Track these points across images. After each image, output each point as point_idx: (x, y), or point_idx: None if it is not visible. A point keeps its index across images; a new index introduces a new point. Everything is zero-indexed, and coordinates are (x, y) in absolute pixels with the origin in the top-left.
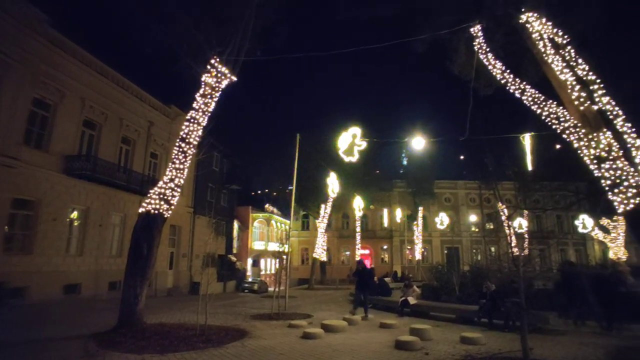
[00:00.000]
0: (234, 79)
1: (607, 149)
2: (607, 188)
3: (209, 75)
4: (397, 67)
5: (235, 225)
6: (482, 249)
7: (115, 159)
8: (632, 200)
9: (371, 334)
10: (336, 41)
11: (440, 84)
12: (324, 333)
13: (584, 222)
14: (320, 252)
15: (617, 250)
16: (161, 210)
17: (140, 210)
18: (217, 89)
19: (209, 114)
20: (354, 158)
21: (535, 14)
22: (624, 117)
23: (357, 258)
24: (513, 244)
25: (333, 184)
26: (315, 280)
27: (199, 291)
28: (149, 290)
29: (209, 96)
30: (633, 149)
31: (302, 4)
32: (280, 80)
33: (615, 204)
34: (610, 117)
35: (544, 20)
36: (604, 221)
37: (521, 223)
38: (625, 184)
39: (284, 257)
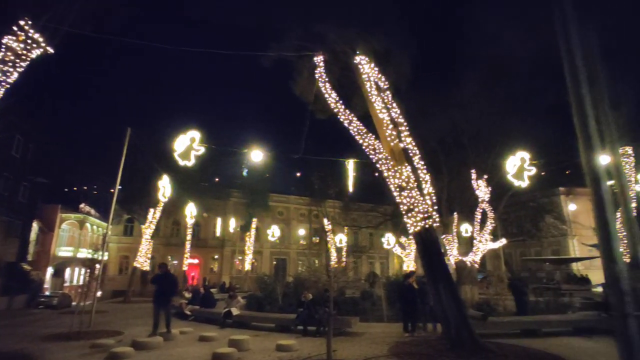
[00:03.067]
0: (50, 50)
1: (406, 180)
2: (403, 212)
3: (14, 38)
4: (245, 77)
5: (35, 226)
6: (306, 261)
7: None
8: (419, 224)
9: (189, 348)
10: (187, 39)
11: (284, 102)
12: (135, 352)
13: (388, 240)
14: (142, 261)
15: (409, 264)
16: None
17: None
18: (24, 57)
19: (9, 86)
20: (190, 162)
21: (366, 58)
22: (419, 155)
23: (184, 267)
24: (333, 257)
25: (165, 187)
26: (133, 292)
27: None
28: None
29: (10, 64)
30: (423, 182)
31: None
32: (119, 68)
33: (408, 225)
34: (411, 154)
35: (372, 65)
36: (402, 239)
37: (341, 238)
38: (416, 210)
39: (97, 265)
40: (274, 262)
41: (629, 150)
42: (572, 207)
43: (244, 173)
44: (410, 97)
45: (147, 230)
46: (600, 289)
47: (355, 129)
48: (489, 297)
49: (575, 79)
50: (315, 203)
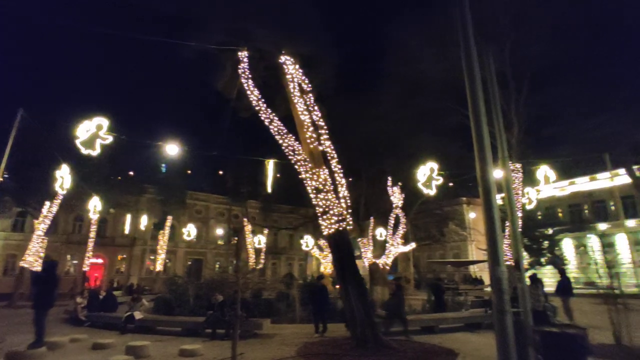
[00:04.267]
0: None
1: (323, 182)
2: (319, 214)
3: None
4: (168, 66)
5: None
6: (223, 262)
7: None
8: (333, 226)
9: (77, 358)
10: (99, 18)
11: (205, 96)
12: None
13: (307, 241)
14: (31, 260)
15: (327, 265)
16: None
17: None
18: None
19: None
20: (95, 152)
21: (291, 59)
22: (337, 159)
23: (85, 268)
24: (251, 257)
25: (64, 178)
26: (21, 296)
27: None
28: None
29: None
30: (340, 185)
31: None
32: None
33: (323, 227)
34: (329, 157)
35: (297, 66)
36: (321, 241)
37: (260, 239)
38: (331, 212)
39: None
40: (189, 263)
41: (518, 166)
42: (472, 215)
43: (162, 168)
44: (332, 103)
45: (41, 225)
46: (489, 289)
47: (275, 129)
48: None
49: (475, 102)
50: (236, 203)
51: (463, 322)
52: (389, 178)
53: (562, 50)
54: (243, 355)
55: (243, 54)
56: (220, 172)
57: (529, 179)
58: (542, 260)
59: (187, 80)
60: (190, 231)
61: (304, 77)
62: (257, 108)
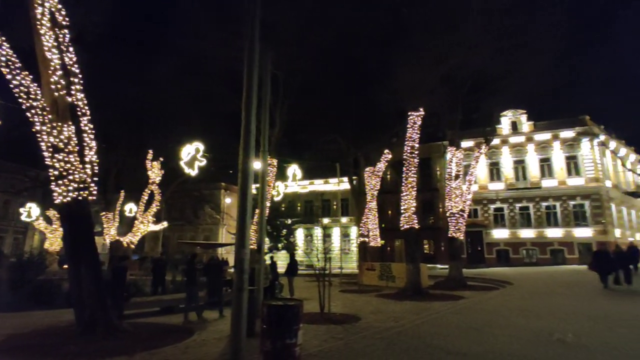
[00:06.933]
0: None
1: (66, 141)
2: (53, 178)
3: None
4: None
5: None
6: None
7: None
8: (71, 194)
9: None
10: None
11: None
12: None
13: (30, 211)
14: None
15: (54, 241)
16: None
17: None
18: None
19: None
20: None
21: None
22: (89, 117)
23: None
24: None
25: None
26: None
27: None
28: None
29: None
30: (87, 148)
31: None
32: None
33: (55, 194)
34: (79, 113)
35: None
36: (51, 212)
37: None
38: (70, 177)
39: None
40: None
41: (275, 162)
42: (228, 200)
43: None
44: (96, 52)
45: None
46: (233, 270)
47: (3, 58)
48: (137, 278)
49: (249, 96)
50: None
51: (204, 300)
52: (150, 151)
53: (325, 73)
54: None
55: None
56: None
57: (281, 174)
58: (279, 245)
59: None
60: None
61: (60, 7)
62: None
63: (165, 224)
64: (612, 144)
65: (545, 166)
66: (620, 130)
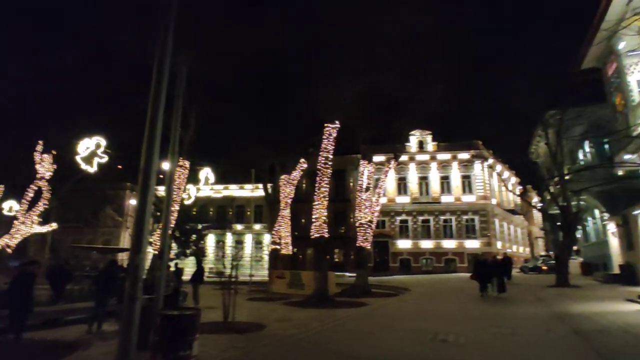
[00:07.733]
0: None
1: None
2: None
3: None
4: None
5: None
6: None
7: None
8: None
9: None
10: None
11: None
12: None
13: None
14: None
15: None
16: None
17: None
18: None
19: None
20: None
21: None
22: None
23: None
24: None
25: None
26: None
27: None
28: None
29: None
30: None
31: None
32: None
33: None
34: None
35: None
36: None
37: None
38: None
39: None
40: None
41: (187, 164)
42: (133, 201)
43: None
44: None
45: None
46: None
47: None
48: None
49: (158, 90)
50: None
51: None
52: (40, 142)
53: (245, 79)
54: None
55: None
56: None
57: (193, 177)
58: (188, 251)
59: None
60: None
61: None
62: None
63: (54, 225)
64: (498, 167)
65: (445, 183)
66: (504, 156)
